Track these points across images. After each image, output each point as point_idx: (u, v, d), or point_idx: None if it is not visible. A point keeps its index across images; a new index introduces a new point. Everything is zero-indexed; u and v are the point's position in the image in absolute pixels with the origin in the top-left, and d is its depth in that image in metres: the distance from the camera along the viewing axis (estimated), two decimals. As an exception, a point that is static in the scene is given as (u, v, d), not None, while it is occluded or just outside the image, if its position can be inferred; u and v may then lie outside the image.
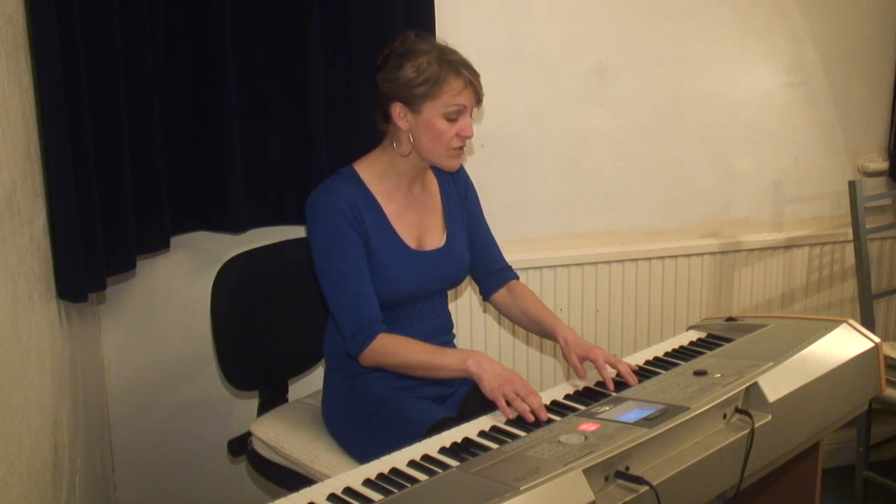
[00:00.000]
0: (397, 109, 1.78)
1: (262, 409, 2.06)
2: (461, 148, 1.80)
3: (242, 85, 2.12)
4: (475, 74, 1.78)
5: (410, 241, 1.86)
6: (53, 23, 1.69)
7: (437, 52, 1.76)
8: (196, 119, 2.12)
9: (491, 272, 2.01)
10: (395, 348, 1.76)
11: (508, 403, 1.61)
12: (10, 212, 1.46)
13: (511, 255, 2.48)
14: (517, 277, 2.04)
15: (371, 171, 1.85)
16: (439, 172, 1.95)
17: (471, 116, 1.79)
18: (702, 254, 2.66)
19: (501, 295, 2.01)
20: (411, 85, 1.75)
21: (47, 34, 1.68)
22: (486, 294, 2.03)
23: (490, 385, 1.64)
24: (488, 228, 2.03)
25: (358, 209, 1.78)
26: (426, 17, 2.21)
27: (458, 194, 1.98)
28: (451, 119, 1.76)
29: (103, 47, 1.86)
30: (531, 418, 1.56)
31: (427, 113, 1.75)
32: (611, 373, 1.72)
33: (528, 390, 1.61)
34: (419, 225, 1.89)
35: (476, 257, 1.98)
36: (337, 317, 1.80)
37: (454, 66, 1.75)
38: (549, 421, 1.55)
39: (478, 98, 1.79)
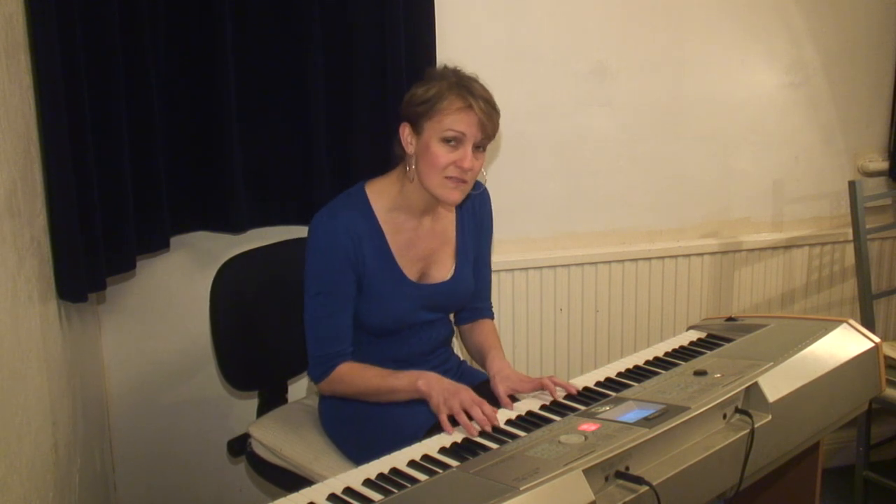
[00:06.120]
0: (405, 131, 1.73)
1: (262, 410, 2.06)
2: (461, 180, 1.70)
3: (242, 85, 2.12)
4: (488, 105, 1.68)
5: (412, 273, 1.81)
6: (53, 23, 1.69)
7: (455, 79, 1.71)
8: (196, 119, 2.12)
9: (473, 308, 1.98)
10: (350, 378, 1.76)
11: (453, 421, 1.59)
12: (10, 212, 1.46)
13: (511, 255, 2.51)
14: (492, 317, 2.01)
15: (383, 198, 1.79)
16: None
17: (475, 149, 1.69)
18: (702, 254, 2.66)
19: (469, 327, 1.99)
20: (415, 102, 1.70)
21: (47, 34, 1.68)
22: (458, 321, 2.00)
23: (436, 401, 1.64)
24: (489, 264, 1.98)
25: (359, 241, 1.74)
26: (426, 17, 2.21)
27: (476, 223, 1.92)
28: (451, 145, 1.68)
29: (103, 47, 1.86)
30: (474, 432, 1.54)
31: (426, 134, 1.69)
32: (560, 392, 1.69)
33: (472, 403, 1.60)
34: (426, 258, 1.84)
35: None
36: (308, 337, 1.79)
37: (459, 88, 1.68)
38: (502, 430, 1.54)
39: (483, 131, 1.68)
